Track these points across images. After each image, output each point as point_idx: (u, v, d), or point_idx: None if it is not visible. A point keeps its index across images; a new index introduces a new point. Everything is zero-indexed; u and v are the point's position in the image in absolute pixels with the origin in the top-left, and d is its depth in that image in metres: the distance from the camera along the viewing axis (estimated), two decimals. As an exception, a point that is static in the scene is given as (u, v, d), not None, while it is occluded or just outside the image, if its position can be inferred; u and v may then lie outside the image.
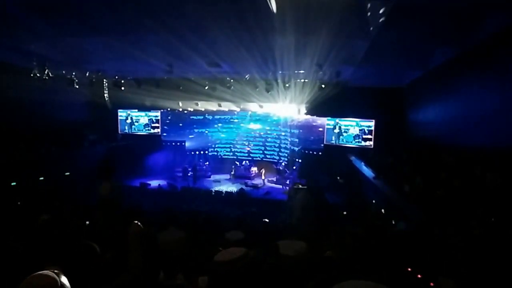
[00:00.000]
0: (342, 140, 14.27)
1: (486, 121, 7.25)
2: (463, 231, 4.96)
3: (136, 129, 17.47)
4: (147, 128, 17.43)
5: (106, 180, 5.49)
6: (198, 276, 2.99)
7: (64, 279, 1.72)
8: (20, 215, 5.62)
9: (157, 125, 17.38)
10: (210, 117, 18.68)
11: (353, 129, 14.10)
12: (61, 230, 4.33)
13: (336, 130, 14.45)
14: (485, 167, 6.42)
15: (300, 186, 12.33)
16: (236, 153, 18.99)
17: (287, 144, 17.75)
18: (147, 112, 17.35)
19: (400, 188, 8.16)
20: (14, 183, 10.37)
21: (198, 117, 18.62)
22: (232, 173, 16.96)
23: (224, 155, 19.13)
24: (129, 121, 17.51)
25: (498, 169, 6.08)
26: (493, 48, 6.78)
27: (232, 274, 1.49)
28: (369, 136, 13.84)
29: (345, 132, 14.25)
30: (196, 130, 18.97)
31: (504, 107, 6.51)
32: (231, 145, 19.04)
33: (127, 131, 17.51)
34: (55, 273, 1.71)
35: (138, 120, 17.45)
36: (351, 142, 14.10)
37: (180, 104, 17.51)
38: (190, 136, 18.89)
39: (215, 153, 19.12)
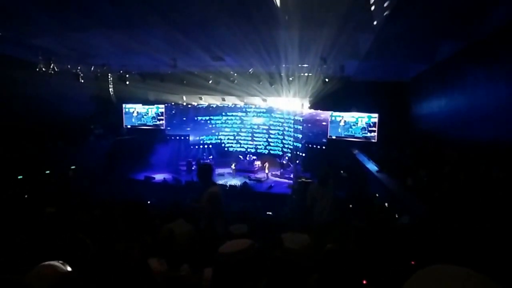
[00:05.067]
0: (351, 132, 14.30)
1: (491, 115, 7.21)
2: (467, 225, 4.97)
3: (144, 121, 17.60)
4: (154, 122, 17.56)
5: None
6: (203, 267, 3.02)
7: (70, 269, 1.76)
8: (27, 208, 5.70)
9: (161, 117, 17.50)
10: (214, 105, 18.74)
11: (360, 122, 14.13)
12: (66, 223, 4.40)
13: (342, 123, 14.48)
14: (490, 162, 6.41)
15: (304, 179, 12.38)
16: (239, 141, 19.10)
17: (290, 138, 17.76)
18: (151, 106, 17.46)
19: (403, 182, 8.17)
20: (21, 177, 10.48)
21: (202, 104, 18.65)
22: (232, 167, 16.98)
23: (228, 143, 19.24)
24: (135, 114, 17.63)
25: (504, 164, 6.07)
26: (500, 42, 6.72)
27: (237, 265, 1.51)
28: (373, 128, 13.90)
29: (354, 125, 14.28)
30: (200, 118, 19.08)
31: (510, 101, 6.47)
32: (235, 133, 19.16)
33: (134, 123, 17.64)
34: (61, 263, 1.76)
35: (147, 113, 17.59)
36: (359, 133, 14.14)
37: (184, 98, 17.56)
38: (195, 119, 18.95)
39: (219, 141, 19.20)
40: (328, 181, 6.46)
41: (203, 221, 5.12)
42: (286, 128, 17.99)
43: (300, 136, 16.95)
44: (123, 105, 17.46)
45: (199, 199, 5.39)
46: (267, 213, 9.90)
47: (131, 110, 17.67)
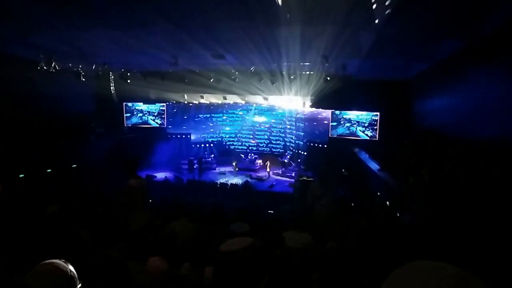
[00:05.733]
0: (353, 131, 14.29)
1: (493, 114, 7.20)
2: (468, 224, 4.96)
3: (145, 119, 17.59)
4: (156, 121, 17.55)
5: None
6: (204, 266, 3.03)
7: (71, 268, 1.76)
8: (28, 207, 5.70)
9: (163, 116, 17.51)
10: (215, 104, 18.79)
11: (362, 120, 14.13)
12: (67, 221, 4.41)
13: (343, 122, 14.47)
14: (491, 160, 6.39)
15: (306, 178, 12.39)
16: (241, 139, 19.14)
17: (292, 136, 17.78)
18: (152, 105, 17.45)
19: (405, 180, 8.15)
20: (22, 175, 10.50)
21: (203, 103, 18.69)
22: (234, 164, 17.00)
23: (229, 141, 19.27)
24: (136, 113, 17.64)
25: (505, 162, 6.05)
26: (501, 41, 6.70)
27: (238, 264, 1.51)
28: (375, 127, 13.89)
29: (355, 123, 14.27)
30: (201, 116, 19.07)
31: (511, 100, 6.46)
32: (237, 131, 19.20)
33: (135, 122, 17.64)
34: (63, 262, 1.76)
35: (148, 111, 17.59)
36: (361, 132, 14.13)
37: (186, 96, 17.56)
38: (196, 117, 18.99)
39: (220, 139, 19.22)
40: (328, 179, 6.48)
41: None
42: (288, 126, 18.02)
43: (302, 134, 16.97)
44: (124, 104, 17.46)
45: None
46: (269, 211, 9.90)
47: (132, 109, 17.67)
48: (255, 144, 18.93)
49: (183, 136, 18.28)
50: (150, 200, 9.54)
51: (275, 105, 17.77)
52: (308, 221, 6.33)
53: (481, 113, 7.71)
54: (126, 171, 5.47)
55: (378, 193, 9.47)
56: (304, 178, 12.51)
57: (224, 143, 19.29)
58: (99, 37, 9.70)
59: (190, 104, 18.41)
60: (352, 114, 14.34)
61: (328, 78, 12.56)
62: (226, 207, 8.82)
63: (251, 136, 19.02)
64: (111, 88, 15.80)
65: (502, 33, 6.57)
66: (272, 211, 9.96)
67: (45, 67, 11.24)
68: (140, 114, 17.66)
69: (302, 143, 16.83)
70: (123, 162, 5.49)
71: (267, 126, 18.69)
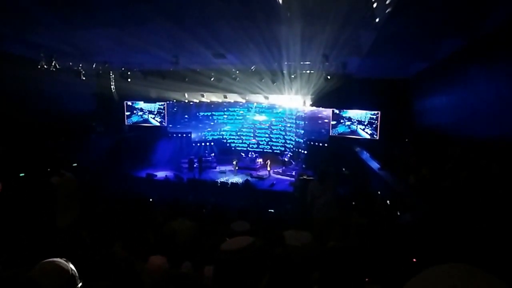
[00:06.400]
0: (353, 130, 14.29)
1: (493, 113, 7.20)
2: (468, 223, 4.97)
3: (146, 118, 17.59)
4: (156, 119, 17.56)
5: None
6: (204, 265, 3.03)
7: (72, 267, 1.77)
8: (29, 206, 5.71)
9: (163, 114, 17.51)
10: (216, 102, 18.79)
11: (362, 119, 14.12)
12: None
13: (344, 121, 14.47)
14: (492, 159, 6.39)
15: (306, 177, 12.38)
16: (242, 137, 19.18)
17: (292, 135, 17.79)
18: (153, 104, 17.45)
19: (405, 179, 8.15)
20: (23, 174, 10.49)
21: (204, 100, 18.70)
22: (234, 163, 17.00)
23: (230, 139, 19.31)
24: (136, 111, 17.64)
25: (505, 162, 6.05)
26: (501, 40, 6.70)
27: (238, 263, 1.51)
28: (375, 126, 13.89)
29: (356, 122, 14.27)
30: (201, 114, 19.10)
31: (511, 99, 6.46)
32: (237, 129, 19.27)
33: (136, 121, 17.64)
34: (64, 260, 1.76)
35: (148, 110, 17.58)
36: (361, 130, 14.13)
37: (186, 95, 17.56)
38: (197, 115, 19.00)
39: (220, 137, 19.26)
40: (327, 178, 6.50)
41: None
42: (288, 125, 18.04)
43: (302, 132, 16.97)
44: (125, 102, 17.46)
45: None
46: (269, 210, 9.91)
47: (133, 107, 17.67)
48: (256, 142, 18.94)
49: (184, 135, 18.28)
50: (151, 199, 9.56)
51: (275, 103, 17.77)
52: (309, 220, 6.35)
53: (481, 112, 7.71)
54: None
55: (379, 192, 9.47)
56: (305, 177, 12.51)
57: (224, 141, 19.31)
58: (99, 36, 9.70)
59: (191, 103, 18.41)
60: (353, 113, 14.33)
61: (329, 77, 12.54)
62: (226, 206, 8.84)
63: (252, 135, 19.04)
64: (112, 86, 15.80)
65: (503, 32, 6.57)
66: (272, 210, 9.97)
67: (45, 66, 11.24)
68: (141, 113, 17.66)
69: (302, 141, 16.84)
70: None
71: (267, 124, 18.71)
